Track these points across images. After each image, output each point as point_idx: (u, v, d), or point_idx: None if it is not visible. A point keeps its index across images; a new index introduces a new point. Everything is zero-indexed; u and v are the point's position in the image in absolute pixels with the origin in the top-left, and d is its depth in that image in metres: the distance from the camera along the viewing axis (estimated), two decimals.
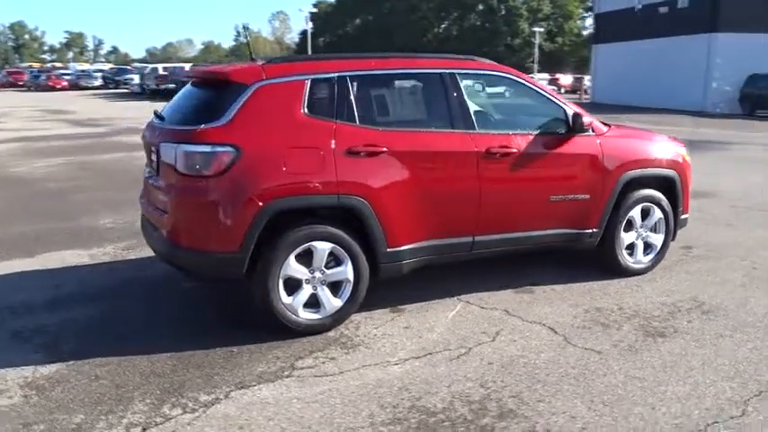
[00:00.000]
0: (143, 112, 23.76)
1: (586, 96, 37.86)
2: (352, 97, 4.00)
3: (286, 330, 3.93)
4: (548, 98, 4.69)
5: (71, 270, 5.33)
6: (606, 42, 34.98)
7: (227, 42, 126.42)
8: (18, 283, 5.02)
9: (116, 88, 45.75)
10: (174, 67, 38.73)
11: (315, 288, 3.95)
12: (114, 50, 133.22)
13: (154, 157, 4.18)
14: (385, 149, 3.97)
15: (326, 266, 3.95)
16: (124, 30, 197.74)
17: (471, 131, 4.30)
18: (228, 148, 3.65)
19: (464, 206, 4.30)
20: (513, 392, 3.29)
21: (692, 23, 27.62)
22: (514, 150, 4.39)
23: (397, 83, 4.34)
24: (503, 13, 77.70)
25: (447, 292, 4.69)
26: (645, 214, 5.07)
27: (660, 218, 5.13)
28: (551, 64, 70.25)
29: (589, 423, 2.99)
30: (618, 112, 23.76)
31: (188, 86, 4.38)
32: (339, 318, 4.05)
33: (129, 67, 53.64)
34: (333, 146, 3.86)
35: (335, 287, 4.02)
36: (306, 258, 3.89)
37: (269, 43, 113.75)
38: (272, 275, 3.79)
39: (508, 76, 4.64)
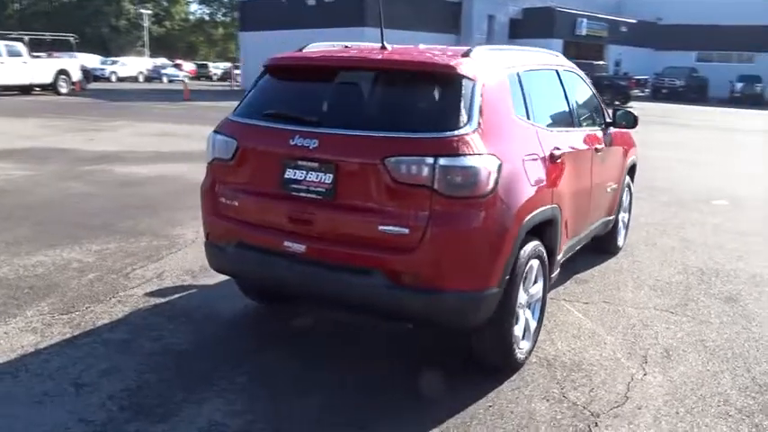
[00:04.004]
0: None
1: (237, 84, 38.03)
2: (532, 96, 3.59)
3: (491, 368, 3.42)
4: (594, 94, 4.90)
5: (47, 356, 3.45)
6: (254, 30, 35.56)
7: None
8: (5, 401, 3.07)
9: None
10: None
11: (524, 312, 3.49)
12: None
13: (304, 174, 3.08)
14: (563, 152, 3.69)
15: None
16: None
17: (583, 129, 4.29)
18: (495, 161, 2.94)
19: (586, 203, 4.28)
20: None
21: (342, 17, 30.06)
22: (603, 146, 4.53)
23: (542, 79, 3.98)
24: None
25: None
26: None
27: (629, 199, 5.86)
28: (161, 48, 68.31)
29: None
30: None
31: (349, 77, 3.28)
32: (535, 341, 3.65)
33: None
34: (542, 151, 3.43)
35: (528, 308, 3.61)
36: None
37: None
38: (514, 309, 3.23)
39: (575, 71, 4.68)
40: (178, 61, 55.34)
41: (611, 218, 5.18)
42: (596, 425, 2.97)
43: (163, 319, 4.02)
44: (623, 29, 38.62)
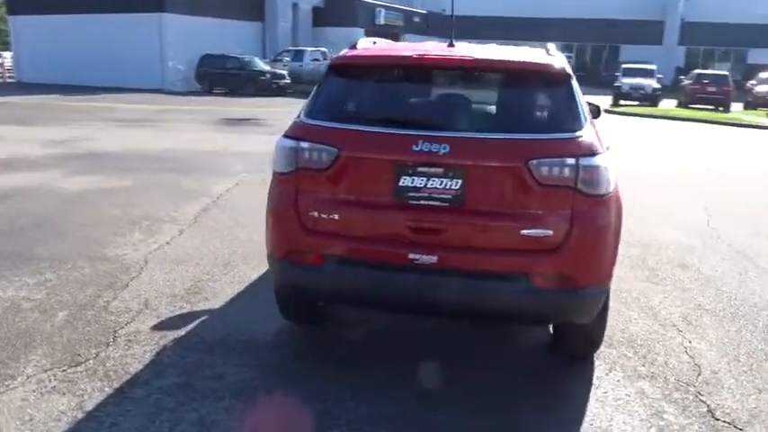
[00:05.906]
0: None
1: (10, 77, 33.30)
2: None
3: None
4: None
5: (111, 419, 2.86)
6: (28, 14, 31.28)
7: None
8: None
9: None
10: None
11: None
12: None
13: (424, 181, 2.94)
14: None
15: None
16: None
17: None
18: (610, 158, 3.05)
19: None
20: None
21: (138, 2, 27.72)
22: None
23: None
24: None
25: None
26: None
27: None
28: None
29: None
30: (63, 93, 22.36)
31: (456, 78, 3.10)
32: None
33: None
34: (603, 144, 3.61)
35: None
36: None
37: None
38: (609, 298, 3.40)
39: None
40: None
41: None
42: (700, 394, 3.26)
43: (203, 353, 3.53)
44: (416, 19, 40.81)
